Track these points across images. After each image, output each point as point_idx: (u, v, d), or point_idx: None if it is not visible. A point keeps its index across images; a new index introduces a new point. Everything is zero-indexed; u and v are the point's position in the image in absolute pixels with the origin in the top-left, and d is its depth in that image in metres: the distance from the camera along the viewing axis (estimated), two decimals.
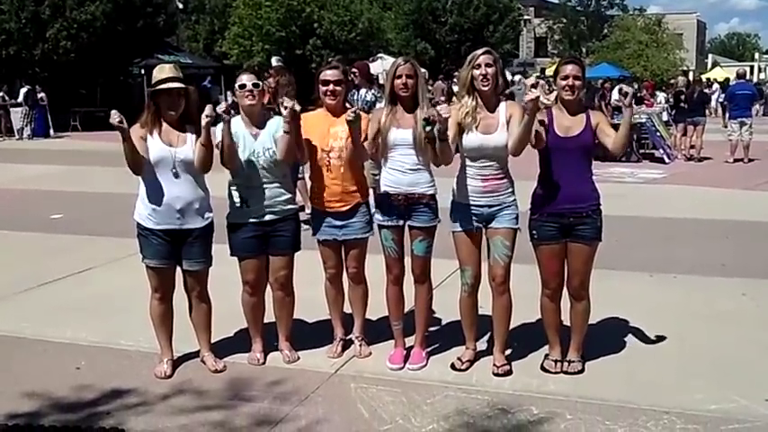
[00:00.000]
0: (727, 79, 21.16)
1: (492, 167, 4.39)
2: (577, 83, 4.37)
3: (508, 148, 4.33)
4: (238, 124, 4.58)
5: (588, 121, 4.38)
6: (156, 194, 4.42)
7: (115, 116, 4.18)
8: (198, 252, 4.56)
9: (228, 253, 4.70)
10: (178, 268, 4.62)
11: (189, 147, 4.42)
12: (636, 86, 20.32)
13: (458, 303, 4.65)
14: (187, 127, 4.46)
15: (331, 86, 4.65)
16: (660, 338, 5.04)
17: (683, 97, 16.75)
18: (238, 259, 4.70)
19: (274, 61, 9.89)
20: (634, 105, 18.10)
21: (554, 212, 4.41)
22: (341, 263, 4.84)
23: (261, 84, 4.64)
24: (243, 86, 4.54)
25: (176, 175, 4.41)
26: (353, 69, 8.17)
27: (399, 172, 4.51)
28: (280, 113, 4.62)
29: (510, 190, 4.46)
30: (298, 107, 4.49)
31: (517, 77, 24.24)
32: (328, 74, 4.68)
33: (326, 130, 4.66)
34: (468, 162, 4.43)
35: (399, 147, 4.49)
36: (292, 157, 4.61)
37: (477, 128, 4.35)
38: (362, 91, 8.27)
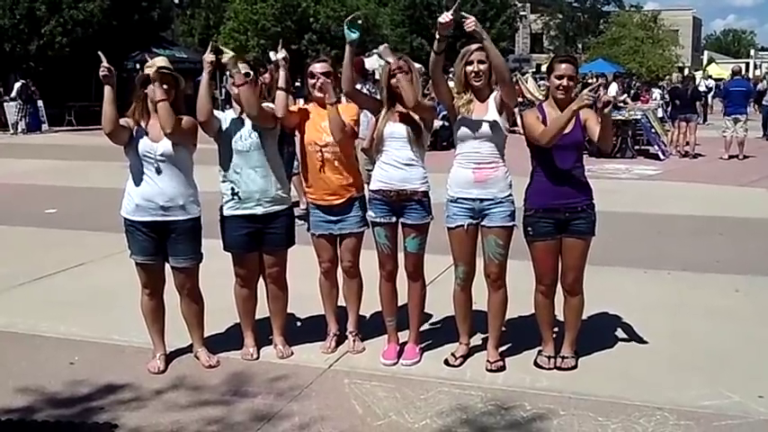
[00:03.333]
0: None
1: (482, 154, 4.38)
2: (571, 83, 4.38)
3: (499, 77, 4.36)
4: (229, 114, 4.60)
5: (578, 119, 4.38)
6: (140, 188, 4.41)
7: (103, 69, 4.21)
8: (184, 248, 4.52)
9: (220, 247, 4.70)
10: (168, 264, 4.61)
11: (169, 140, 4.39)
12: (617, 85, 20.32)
13: (451, 298, 4.66)
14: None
15: (321, 79, 4.63)
16: (653, 334, 5.05)
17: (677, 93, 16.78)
18: (231, 254, 4.70)
19: (272, 56, 9.82)
20: (630, 102, 18.00)
21: (549, 208, 4.41)
22: (336, 258, 4.84)
23: (252, 73, 4.59)
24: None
25: (158, 170, 4.39)
26: None
27: (393, 167, 4.50)
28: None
29: (504, 184, 4.43)
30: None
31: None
32: (317, 67, 4.67)
33: (319, 125, 4.65)
34: (459, 149, 4.44)
35: (393, 141, 4.49)
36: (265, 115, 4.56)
37: (468, 114, 4.37)
38: (357, 86, 8.24)
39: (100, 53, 4.30)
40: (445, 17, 4.18)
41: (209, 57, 4.44)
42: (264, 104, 4.57)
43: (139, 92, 4.43)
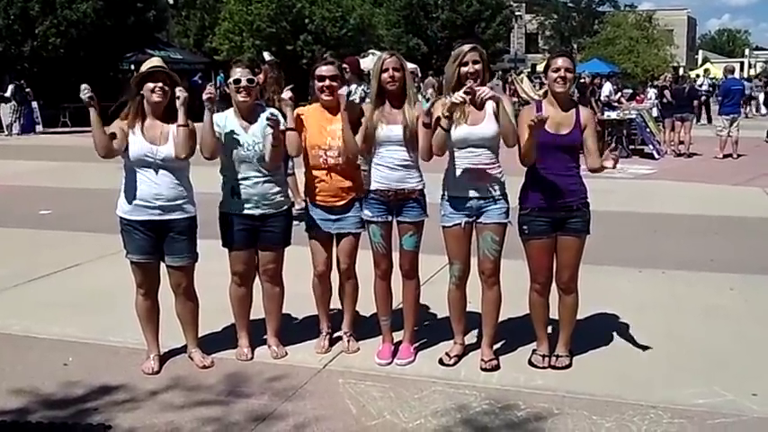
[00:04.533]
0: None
1: (479, 156, 4.39)
2: (569, 75, 4.38)
3: (503, 141, 4.37)
4: (229, 117, 4.57)
5: (578, 120, 4.38)
6: (136, 190, 4.40)
7: (85, 91, 4.18)
8: (180, 247, 4.52)
9: (216, 248, 4.69)
10: (163, 264, 4.60)
11: (171, 144, 4.38)
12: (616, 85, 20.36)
13: (446, 298, 4.66)
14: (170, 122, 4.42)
15: (327, 82, 4.61)
16: (648, 333, 5.05)
17: (667, 93, 16.79)
18: (228, 251, 4.70)
19: (267, 56, 9.84)
20: (624, 101, 17.90)
21: (545, 207, 4.42)
22: (330, 258, 4.83)
23: (255, 79, 4.60)
24: (237, 81, 4.50)
25: (156, 172, 4.38)
26: (344, 65, 8.14)
27: (388, 168, 4.50)
28: (272, 106, 4.62)
29: (500, 182, 4.46)
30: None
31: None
32: (324, 70, 4.65)
33: (324, 128, 4.65)
34: (456, 153, 4.44)
35: (388, 143, 4.49)
36: (281, 158, 4.60)
37: (465, 121, 4.36)
38: (353, 86, 8.25)
39: (84, 85, 4.20)
40: (458, 98, 4.14)
41: (209, 90, 4.40)
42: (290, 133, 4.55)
43: (134, 93, 4.40)
